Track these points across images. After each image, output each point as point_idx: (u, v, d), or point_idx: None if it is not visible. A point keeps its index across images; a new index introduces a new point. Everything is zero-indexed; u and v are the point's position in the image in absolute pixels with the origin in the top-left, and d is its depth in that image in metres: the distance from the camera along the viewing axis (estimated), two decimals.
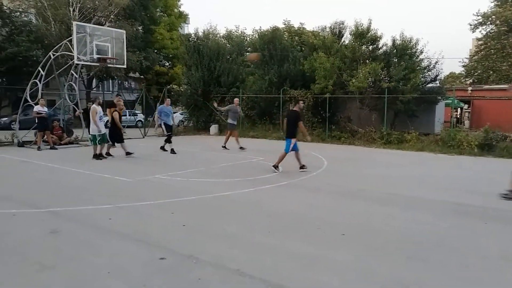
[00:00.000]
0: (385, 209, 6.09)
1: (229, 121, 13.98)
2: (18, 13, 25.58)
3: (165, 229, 4.97)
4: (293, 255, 4.13)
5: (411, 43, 17.37)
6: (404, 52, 17.26)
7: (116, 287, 3.39)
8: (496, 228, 5.23)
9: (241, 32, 27.81)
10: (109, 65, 16.48)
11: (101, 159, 10.91)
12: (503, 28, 42.53)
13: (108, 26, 21.62)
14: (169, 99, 14.35)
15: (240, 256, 4.06)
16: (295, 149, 9.20)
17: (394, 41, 17.79)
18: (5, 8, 24.47)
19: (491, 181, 8.69)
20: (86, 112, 13.34)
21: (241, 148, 13.48)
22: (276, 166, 9.25)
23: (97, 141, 10.90)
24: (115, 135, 11.45)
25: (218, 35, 23.93)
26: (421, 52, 17.59)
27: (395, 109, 17.10)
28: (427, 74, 17.92)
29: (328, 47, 18.14)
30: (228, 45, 24.70)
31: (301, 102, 9.82)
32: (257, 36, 22.65)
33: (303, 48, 21.66)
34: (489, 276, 3.73)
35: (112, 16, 25.67)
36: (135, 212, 5.77)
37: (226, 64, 21.68)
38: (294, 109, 9.57)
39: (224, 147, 13.72)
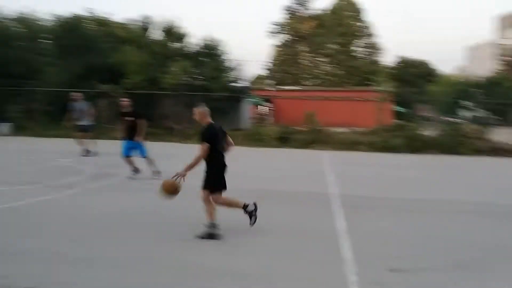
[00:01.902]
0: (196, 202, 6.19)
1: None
2: None
3: None
4: (99, 261, 3.75)
5: (219, 45, 18.54)
6: (213, 52, 18.26)
7: None
8: (288, 208, 6.00)
9: (34, 16, 24.11)
10: None
11: None
12: (294, 38, 50.08)
13: None
14: None
15: (37, 271, 3.44)
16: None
17: (202, 41, 18.63)
18: None
19: (285, 168, 10.05)
20: None
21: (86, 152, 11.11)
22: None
23: None
24: None
25: (4, 17, 20.07)
26: (227, 54, 18.98)
27: (208, 106, 17.88)
28: (233, 74, 19.41)
29: (138, 41, 17.59)
30: (19, 29, 21.01)
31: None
32: (56, 22, 19.99)
33: (111, 40, 20.37)
34: (285, 249, 4.21)
35: None
36: None
37: (17, 51, 18.39)
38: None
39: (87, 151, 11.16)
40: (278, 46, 52.05)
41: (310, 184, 8.02)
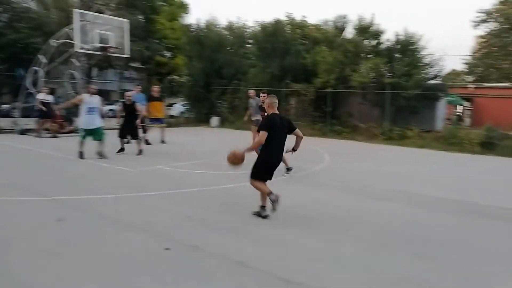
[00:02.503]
0: (387, 205, 6.10)
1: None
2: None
3: (169, 219, 4.97)
4: (298, 248, 4.14)
5: (414, 39, 17.29)
6: (407, 47, 17.19)
7: (121, 275, 3.40)
8: (499, 227, 5.25)
9: (243, 24, 27.59)
10: (110, 54, 16.33)
11: (83, 158, 8.99)
12: (505, 26, 42.44)
13: (109, 15, 21.43)
14: (139, 87, 13.35)
15: (245, 249, 4.06)
16: None
17: (397, 36, 17.71)
18: None
19: (493, 179, 8.73)
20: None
21: None
22: None
23: (82, 136, 9.10)
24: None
25: (219, 26, 23.76)
26: (423, 48, 17.53)
27: (397, 105, 17.08)
28: (429, 70, 17.87)
29: (331, 41, 18.06)
30: (229, 36, 24.52)
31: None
32: (259, 28, 22.47)
33: (305, 42, 21.55)
34: (493, 274, 3.75)
35: (112, 5, 25.43)
36: (138, 202, 5.76)
37: (227, 55, 21.56)
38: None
39: None
40: (482, 37, 45.17)
41: None
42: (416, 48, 17.39)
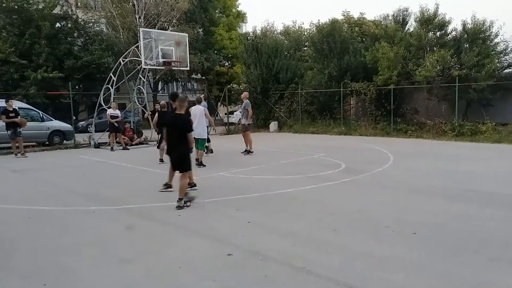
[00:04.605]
0: (460, 207, 5.68)
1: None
2: (91, 24, 27.63)
3: (231, 225, 5.07)
4: (360, 254, 4.00)
5: (484, 26, 16.01)
6: (477, 36, 15.98)
7: (187, 281, 3.53)
8: None
9: (299, 27, 27.54)
10: (173, 68, 17.14)
11: (204, 165, 9.56)
12: None
13: (171, 31, 22.57)
14: (201, 95, 13.33)
15: (306, 254, 4.02)
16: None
17: (464, 25, 16.55)
18: (80, 20, 26.55)
19: None
20: (154, 114, 12.11)
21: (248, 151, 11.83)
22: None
23: (199, 146, 9.45)
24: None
25: (275, 32, 23.96)
26: (496, 35, 16.17)
27: (468, 98, 15.93)
28: (503, 58, 16.45)
29: (391, 36, 17.34)
30: (285, 41, 24.58)
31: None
32: (315, 29, 22.29)
33: (364, 39, 20.92)
34: None
35: (174, 21, 26.72)
36: (202, 208, 5.95)
37: (284, 60, 21.63)
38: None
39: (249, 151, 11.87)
40: None
41: None
42: (487, 35, 16.11)
